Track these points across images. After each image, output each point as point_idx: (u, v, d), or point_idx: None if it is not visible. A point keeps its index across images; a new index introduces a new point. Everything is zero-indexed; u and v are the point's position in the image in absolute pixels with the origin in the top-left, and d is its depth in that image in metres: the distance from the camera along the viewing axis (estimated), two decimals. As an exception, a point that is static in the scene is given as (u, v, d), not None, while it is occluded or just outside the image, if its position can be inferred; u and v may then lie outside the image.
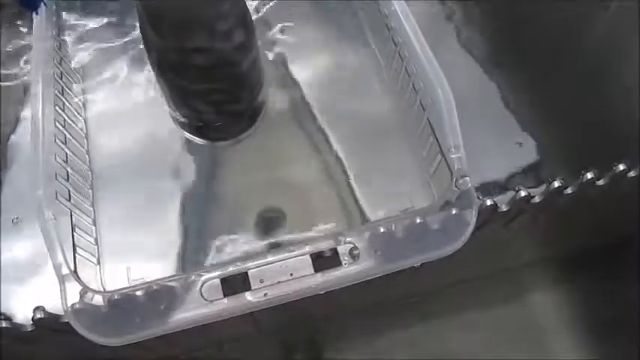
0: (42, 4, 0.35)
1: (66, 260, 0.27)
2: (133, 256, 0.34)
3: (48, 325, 0.28)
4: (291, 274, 0.28)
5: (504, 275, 0.46)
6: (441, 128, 0.31)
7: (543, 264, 0.47)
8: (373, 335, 0.45)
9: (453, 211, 0.29)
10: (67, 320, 0.27)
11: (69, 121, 0.36)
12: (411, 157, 0.37)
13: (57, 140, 0.33)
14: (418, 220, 0.29)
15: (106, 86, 0.41)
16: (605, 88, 0.38)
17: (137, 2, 0.29)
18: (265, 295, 0.27)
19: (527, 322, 0.47)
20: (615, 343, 0.45)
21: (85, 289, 0.27)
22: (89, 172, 0.37)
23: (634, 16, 0.35)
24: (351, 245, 0.28)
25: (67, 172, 0.33)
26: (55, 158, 0.32)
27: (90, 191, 0.36)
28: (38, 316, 0.28)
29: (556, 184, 0.31)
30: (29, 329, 0.29)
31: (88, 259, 0.33)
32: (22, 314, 0.33)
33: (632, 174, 0.32)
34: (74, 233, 0.32)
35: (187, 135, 0.39)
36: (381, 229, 0.29)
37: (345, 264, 0.28)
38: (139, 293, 0.27)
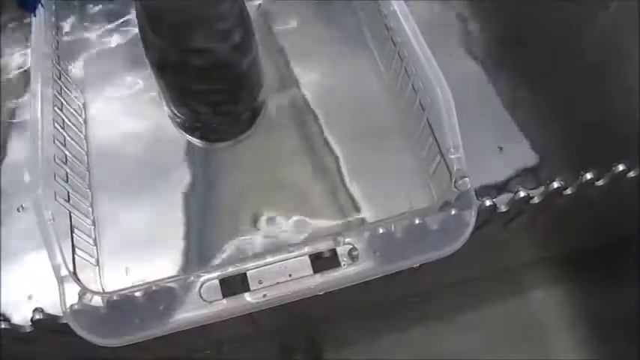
0: (39, 5, 0.35)
1: (65, 261, 0.27)
2: (131, 257, 0.34)
3: (47, 326, 0.28)
4: (290, 275, 0.28)
5: (504, 276, 0.46)
6: (440, 129, 0.31)
7: (543, 264, 0.47)
8: (372, 336, 0.45)
9: (453, 212, 0.29)
10: (66, 321, 0.27)
11: (68, 122, 0.36)
12: (411, 157, 0.37)
13: (56, 141, 0.33)
14: (417, 221, 0.29)
15: (104, 87, 0.41)
16: (605, 88, 0.38)
17: (136, 2, 0.29)
18: (264, 295, 0.27)
19: (526, 323, 0.47)
20: (615, 343, 0.45)
21: (84, 290, 0.27)
22: (88, 173, 0.37)
23: (634, 16, 0.34)
24: (350, 246, 0.28)
25: (66, 172, 0.33)
26: (54, 159, 0.32)
27: (89, 192, 0.36)
28: (37, 317, 0.28)
29: (555, 184, 0.31)
30: (28, 330, 0.29)
31: (87, 260, 0.33)
32: (22, 315, 0.33)
33: (631, 174, 0.32)
34: (73, 234, 0.32)
35: (186, 136, 0.39)
36: (380, 230, 0.29)
37: (344, 265, 0.28)
38: (138, 294, 0.27)
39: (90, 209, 0.35)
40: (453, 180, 0.29)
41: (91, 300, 0.27)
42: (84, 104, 0.40)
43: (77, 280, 0.27)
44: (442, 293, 0.45)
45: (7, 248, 0.36)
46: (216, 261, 0.34)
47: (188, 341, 0.39)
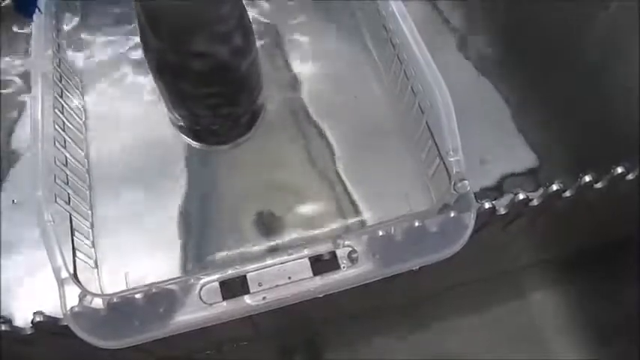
0: (37, 10, 0.35)
1: (65, 263, 0.27)
2: (131, 259, 0.34)
3: (47, 328, 0.28)
4: (290, 278, 0.28)
5: (503, 278, 0.46)
6: (439, 131, 0.31)
7: (542, 266, 0.47)
8: (372, 337, 0.45)
9: (452, 214, 0.29)
10: (66, 323, 0.27)
11: (68, 124, 0.36)
12: (410, 160, 0.37)
13: (56, 143, 0.33)
14: (417, 224, 0.29)
15: (105, 89, 0.41)
16: (605, 88, 0.38)
17: (136, 4, 0.29)
18: (264, 298, 0.27)
19: (526, 325, 0.47)
20: (615, 344, 0.45)
21: (85, 293, 0.27)
22: (88, 175, 0.37)
23: (634, 16, 0.34)
24: (350, 249, 0.28)
25: (67, 175, 0.33)
26: (55, 161, 0.32)
27: (88, 194, 0.36)
28: (38, 319, 0.28)
29: (554, 187, 0.31)
30: (29, 332, 0.29)
31: (87, 262, 0.33)
32: (22, 317, 0.33)
33: (630, 176, 0.32)
34: (73, 236, 0.32)
35: (186, 138, 0.39)
36: (380, 233, 0.29)
37: (344, 267, 0.28)
38: (138, 296, 0.27)
39: (89, 211, 0.35)
40: (452, 182, 0.29)
41: (91, 302, 0.27)
42: (84, 106, 0.40)
43: (77, 283, 0.27)
44: (441, 295, 0.45)
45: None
46: (216, 263, 0.34)
47: (188, 343, 0.39)
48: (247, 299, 0.27)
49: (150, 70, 0.33)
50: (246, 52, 0.33)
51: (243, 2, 0.32)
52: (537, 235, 0.40)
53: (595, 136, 0.39)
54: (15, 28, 0.44)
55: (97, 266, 0.34)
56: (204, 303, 0.27)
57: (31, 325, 0.28)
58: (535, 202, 0.32)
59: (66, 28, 0.43)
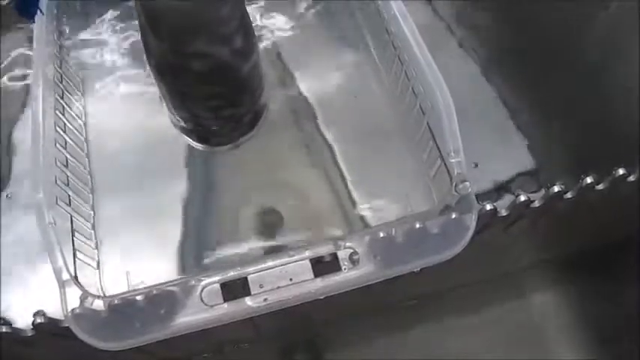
0: (38, 11, 0.35)
1: (66, 265, 0.27)
2: (132, 260, 0.34)
3: (48, 329, 0.28)
4: (291, 279, 0.28)
5: (504, 279, 0.46)
6: (440, 133, 0.31)
7: (543, 267, 0.47)
8: (373, 339, 0.45)
9: (453, 216, 0.29)
10: (67, 325, 0.27)
11: (69, 125, 0.36)
12: (411, 161, 0.37)
13: (57, 144, 0.33)
14: (418, 225, 0.29)
15: (106, 90, 0.41)
16: (605, 88, 0.38)
17: (136, 4, 0.29)
18: (265, 300, 0.27)
19: (527, 325, 0.47)
20: (615, 344, 0.45)
21: (86, 294, 0.27)
22: (89, 177, 0.37)
23: (634, 16, 0.35)
24: (351, 250, 0.28)
25: (67, 176, 0.33)
26: (56, 162, 0.32)
27: (90, 195, 0.36)
28: (38, 320, 0.28)
29: (556, 188, 0.31)
30: (29, 334, 0.29)
31: (88, 264, 0.33)
32: (22, 318, 0.33)
33: (631, 178, 0.32)
34: (74, 238, 0.32)
35: (187, 139, 0.39)
36: (381, 234, 0.29)
37: (345, 269, 0.28)
38: (139, 298, 0.27)
39: (91, 213, 0.35)
40: (454, 184, 0.29)
41: (92, 304, 0.27)
42: (85, 107, 0.40)
43: (78, 284, 0.27)
44: (443, 297, 0.45)
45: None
46: (217, 264, 0.34)
47: (189, 344, 0.39)
48: (248, 301, 0.27)
49: (151, 71, 0.33)
50: (247, 53, 0.33)
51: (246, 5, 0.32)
52: (538, 237, 0.40)
53: (595, 136, 0.39)
54: (15, 29, 0.44)
55: (98, 267, 0.34)
56: (205, 304, 0.27)
57: (31, 326, 0.28)
58: (536, 204, 0.32)
59: (67, 29, 0.43)
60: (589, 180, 0.32)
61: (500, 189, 0.37)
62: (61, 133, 0.34)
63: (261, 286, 0.27)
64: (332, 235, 0.35)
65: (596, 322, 0.46)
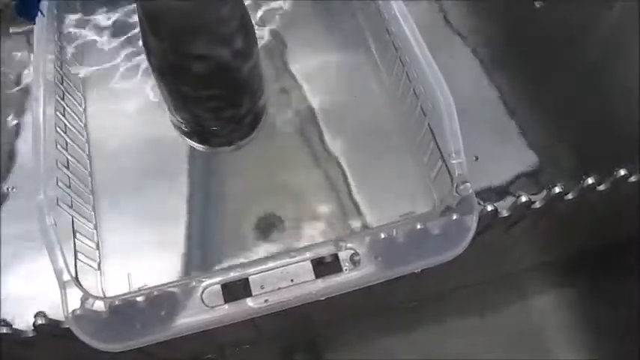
0: (39, 13, 0.35)
1: (67, 266, 0.27)
2: (133, 261, 0.34)
3: (49, 330, 0.28)
4: (292, 280, 0.28)
5: (505, 280, 0.46)
6: (441, 133, 0.31)
7: (544, 268, 0.47)
8: (374, 339, 0.45)
9: (454, 217, 0.29)
10: (68, 326, 0.27)
11: (70, 126, 0.36)
12: (412, 162, 0.37)
13: (58, 145, 0.33)
14: (419, 226, 0.29)
15: (107, 91, 0.41)
16: (606, 88, 0.38)
17: (138, 6, 0.29)
18: (266, 301, 0.27)
19: (527, 325, 0.47)
20: (615, 344, 0.45)
21: (86, 295, 0.27)
22: (90, 178, 0.37)
23: (634, 16, 0.35)
24: (352, 251, 0.28)
25: (69, 177, 0.33)
26: (57, 164, 0.32)
27: (91, 197, 0.36)
28: (39, 321, 0.28)
29: (557, 189, 0.31)
30: (30, 335, 0.29)
31: (89, 265, 0.33)
32: (23, 319, 0.33)
33: (632, 179, 0.32)
34: (75, 239, 0.32)
35: (188, 141, 0.39)
36: (382, 235, 0.29)
37: (346, 270, 0.28)
38: (139, 299, 0.27)
39: (92, 214, 0.35)
40: (455, 185, 0.29)
41: (93, 305, 0.27)
42: (85, 109, 0.40)
43: (79, 285, 0.27)
44: (444, 298, 0.45)
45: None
46: (218, 266, 0.34)
47: (190, 346, 0.39)
48: (249, 302, 0.27)
49: (152, 71, 0.33)
50: (247, 54, 0.33)
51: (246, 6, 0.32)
52: (539, 238, 0.40)
53: (595, 136, 0.39)
54: (15, 29, 0.44)
55: (99, 269, 0.34)
56: (206, 306, 0.27)
57: (32, 327, 0.28)
58: (537, 205, 0.32)
59: (67, 29, 0.43)
60: (590, 181, 0.32)
61: (501, 190, 0.37)
62: (62, 134, 0.34)
63: (262, 287, 0.27)
64: (332, 236, 0.35)
65: (597, 322, 0.46)
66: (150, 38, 0.30)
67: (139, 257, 0.34)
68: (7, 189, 0.38)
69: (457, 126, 0.30)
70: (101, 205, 0.36)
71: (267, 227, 0.36)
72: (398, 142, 0.38)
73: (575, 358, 0.45)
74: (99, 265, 0.34)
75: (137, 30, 0.43)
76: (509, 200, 0.32)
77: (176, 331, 0.27)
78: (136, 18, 0.43)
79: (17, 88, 0.42)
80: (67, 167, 0.34)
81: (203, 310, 0.27)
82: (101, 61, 0.42)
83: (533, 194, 0.31)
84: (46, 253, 0.27)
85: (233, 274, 0.28)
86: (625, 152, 0.35)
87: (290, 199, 0.36)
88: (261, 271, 0.28)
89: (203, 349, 0.43)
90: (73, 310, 0.27)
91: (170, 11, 0.28)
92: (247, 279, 0.28)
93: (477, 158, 0.37)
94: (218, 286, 0.27)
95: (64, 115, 0.35)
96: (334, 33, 0.44)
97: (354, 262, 0.28)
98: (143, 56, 0.32)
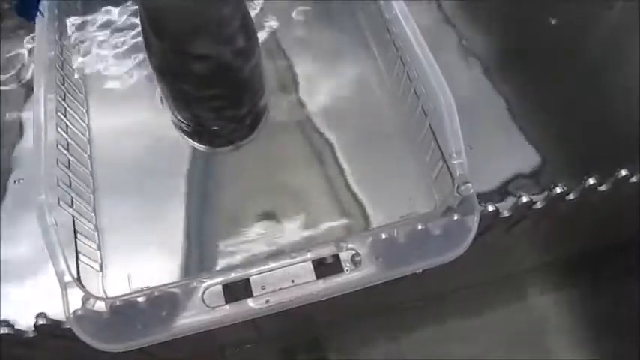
0: (38, 12, 0.35)
1: (68, 267, 0.27)
2: (134, 262, 0.34)
3: (50, 331, 0.28)
4: (293, 281, 0.28)
5: (506, 281, 0.46)
6: (442, 134, 0.31)
7: (544, 269, 0.47)
8: (375, 340, 0.45)
9: (455, 217, 0.29)
10: (69, 326, 0.27)
11: (71, 127, 0.36)
12: (413, 162, 0.37)
13: (59, 146, 0.33)
14: (420, 227, 0.29)
15: (108, 91, 0.41)
16: (606, 88, 0.38)
17: (139, 6, 0.29)
18: (267, 301, 0.27)
19: (528, 326, 0.47)
20: (616, 343, 0.45)
21: (88, 296, 0.27)
22: (91, 178, 0.37)
23: (635, 16, 0.35)
24: (353, 251, 0.28)
25: (70, 177, 0.33)
26: (58, 164, 0.32)
27: (92, 197, 0.36)
28: (41, 322, 0.28)
29: (558, 189, 0.31)
30: (31, 335, 0.29)
31: (90, 265, 0.33)
32: (24, 319, 0.33)
33: (633, 179, 0.32)
34: (76, 239, 0.32)
35: (189, 140, 0.39)
36: (383, 235, 0.29)
37: (347, 270, 0.28)
38: (140, 299, 0.27)
39: (93, 214, 0.35)
40: (456, 185, 0.29)
41: (94, 305, 0.27)
42: (87, 109, 0.40)
43: (80, 286, 0.27)
44: (445, 298, 0.45)
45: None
46: (219, 266, 0.34)
47: (190, 346, 0.39)
48: (250, 302, 0.27)
49: (153, 71, 0.33)
50: (249, 53, 0.33)
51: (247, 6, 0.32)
52: (540, 238, 0.40)
53: (595, 136, 0.39)
54: (15, 31, 0.44)
55: (100, 269, 0.34)
56: (207, 306, 0.27)
57: (33, 327, 0.28)
58: (539, 205, 0.32)
59: (69, 29, 0.43)
60: (591, 181, 0.32)
61: (502, 190, 0.37)
62: (63, 134, 0.34)
63: (263, 288, 0.27)
64: (333, 236, 0.35)
65: (597, 322, 0.46)
66: (151, 38, 0.30)
67: (139, 257, 0.34)
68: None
69: (458, 126, 0.30)
70: (102, 205, 0.36)
71: (267, 226, 0.36)
72: (399, 142, 0.38)
73: (575, 357, 0.45)
74: (100, 265, 0.34)
75: (138, 30, 0.43)
76: (511, 201, 0.32)
77: (177, 331, 0.27)
78: (137, 18, 0.43)
79: (19, 88, 0.42)
80: (68, 167, 0.34)
81: (204, 311, 0.27)
82: (102, 61, 0.42)
83: (534, 194, 0.31)
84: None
85: (234, 275, 0.28)
86: (625, 152, 0.35)
87: (290, 199, 0.36)
88: (262, 272, 0.28)
89: (204, 350, 0.43)
90: (74, 311, 0.27)
91: (171, 11, 0.28)
92: (248, 279, 0.28)
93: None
94: (219, 287, 0.27)
95: (65, 116, 0.35)
96: (334, 33, 0.44)
97: (355, 262, 0.28)
98: (144, 56, 0.32)
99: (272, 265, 0.28)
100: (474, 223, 0.28)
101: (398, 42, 0.36)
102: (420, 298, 0.45)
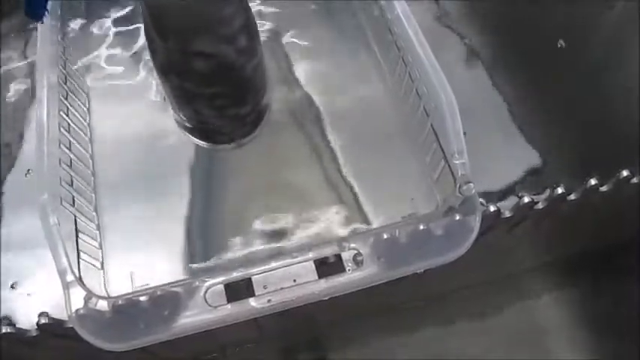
0: (46, 12, 0.35)
1: (70, 266, 0.27)
2: (136, 261, 0.34)
3: (52, 330, 0.28)
4: (295, 280, 0.28)
5: (507, 281, 0.46)
6: (444, 134, 0.31)
7: (545, 269, 0.47)
8: (376, 339, 0.45)
9: (457, 217, 0.29)
10: (71, 325, 0.27)
11: (73, 126, 0.36)
12: (415, 162, 0.37)
13: (61, 145, 0.33)
14: (422, 227, 0.29)
15: (110, 90, 0.41)
16: (606, 88, 0.38)
17: (142, 4, 0.29)
18: (269, 301, 0.27)
19: (529, 326, 0.47)
20: (616, 343, 0.45)
21: (90, 295, 0.27)
22: (93, 177, 0.37)
23: (635, 16, 0.35)
24: (355, 251, 0.28)
25: (71, 176, 0.33)
26: (60, 163, 0.32)
27: (93, 196, 0.36)
28: (43, 321, 0.28)
29: (559, 190, 0.31)
30: (33, 334, 0.29)
31: (92, 264, 0.33)
32: (25, 318, 0.33)
33: (635, 180, 0.32)
34: (78, 238, 0.32)
35: (191, 138, 0.39)
36: (385, 235, 0.29)
37: (349, 270, 0.28)
38: (142, 299, 0.27)
39: (94, 213, 0.35)
40: (458, 185, 0.29)
41: (96, 304, 0.27)
42: (89, 108, 0.40)
43: (82, 285, 0.27)
44: (446, 298, 0.45)
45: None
46: (221, 265, 0.34)
47: (192, 345, 0.39)
48: (252, 302, 0.27)
49: (156, 69, 0.33)
50: (251, 52, 0.33)
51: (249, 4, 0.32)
52: (541, 238, 0.40)
53: (596, 136, 0.39)
54: (16, 31, 0.44)
55: (102, 268, 0.34)
56: (209, 305, 0.27)
57: (36, 327, 0.28)
58: (540, 205, 0.32)
59: (71, 28, 0.43)
60: (593, 182, 0.32)
61: (504, 190, 0.37)
62: (65, 133, 0.34)
63: (265, 287, 0.27)
64: (335, 236, 0.35)
65: (598, 322, 0.46)
66: (154, 37, 0.30)
67: (141, 256, 0.34)
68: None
69: (460, 126, 0.30)
70: (104, 204, 0.36)
71: (269, 225, 0.36)
72: (400, 142, 0.38)
73: (576, 358, 0.45)
74: (102, 264, 0.34)
75: (141, 29, 0.43)
76: (512, 201, 0.32)
77: (179, 330, 0.27)
78: (139, 18, 0.43)
79: (21, 88, 0.42)
80: (70, 166, 0.34)
81: (206, 310, 0.27)
82: (105, 60, 0.42)
83: (535, 195, 0.31)
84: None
85: (236, 274, 0.28)
86: (625, 152, 0.35)
87: (292, 198, 0.36)
88: (264, 271, 0.28)
89: (205, 349, 0.43)
90: (77, 310, 0.27)
91: (174, 9, 0.28)
92: (250, 279, 0.28)
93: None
94: (221, 286, 0.27)
95: (67, 115, 0.35)
96: (336, 32, 0.44)
97: (357, 262, 0.28)
98: (147, 55, 0.32)
99: (274, 264, 0.28)
100: (475, 223, 0.29)
101: (400, 42, 0.36)
102: (421, 298, 0.45)
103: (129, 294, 0.27)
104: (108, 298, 0.27)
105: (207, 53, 0.30)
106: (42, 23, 0.35)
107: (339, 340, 0.46)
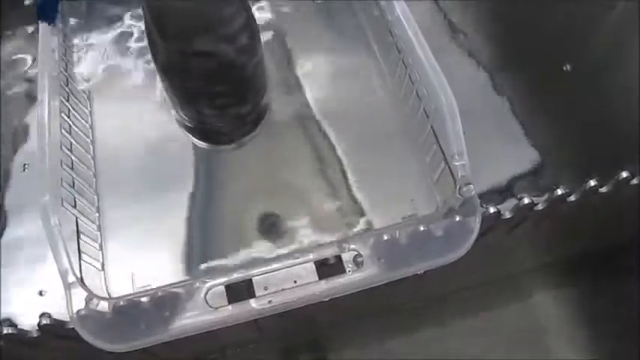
0: (58, 14, 0.35)
1: (72, 267, 0.27)
2: (137, 262, 0.34)
3: (53, 331, 0.28)
4: (296, 282, 0.28)
5: (507, 282, 0.46)
6: (444, 135, 0.31)
7: (545, 269, 0.47)
8: (376, 340, 0.46)
9: (457, 219, 0.29)
10: (72, 326, 0.27)
11: (74, 128, 0.36)
12: (415, 163, 0.37)
13: (63, 147, 0.33)
14: (422, 228, 0.29)
15: (111, 91, 0.41)
16: (606, 88, 0.38)
17: (143, 4, 0.29)
18: (270, 302, 0.27)
19: (529, 326, 0.47)
20: (616, 343, 0.45)
21: (91, 296, 0.27)
22: (94, 178, 0.37)
23: (635, 16, 0.35)
24: (355, 252, 0.28)
25: (73, 178, 0.33)
26: (61, 165, 0.32)
27: (95, 197, 0.36)
28: (44, 322, 0.28)
29: (559, 191, 0.31)
30: (35, 335, 0.29)
31: (93, 265, 0.33)
32: (26, 319, 0.33)
33: (634, 181, 0.32)
34: (79, 239, 0.32)
35: (192, 138, 0.39)
36: (385, 237, 0.29)
37: (349, 271, 0.28)
38: (143, 299, 0.27)
39: (96, 214, 0.35)
40: (458, 187, 0.29)
41: (97, 305, 0.27)
42: (90, 109, 0.40)
43: (84, 286, 0.27)
44: (446, 299, 0.45)
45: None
46: (222, 266, 0.34)
47: (193, 346, 0.39)
48: (253, 303, 0.27)
49: (157, 69, 0.33)
50: (252, 52, 0.33)
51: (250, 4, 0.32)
52: (541, 239, 0.40)
53: (596, 136, 0.39)
54: (17, 31, 0.44)
55: (103, 269, 0.34)
56: (210, 307, 0.27)
57: (37, 327, 0.29)
58: (540, 207, 0.32)
59: (72, 29, 0.43)
60: (592, 183, 0.32)
61: (504, 191, 0.37)
62: (67, 135, 0.34)
63: (265, 289, 0.28)
64: (336, 237, 0.35)
65: (597, 322, 0.46)
66: (155, 36, 0.30)
67: (142, 257, 0.35)
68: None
69: (460, 127, 0.30)
70: (105, 205, 0.36)
71: (269, 226, 0.36)
72: (400, 143, 0.38)
73: (575, 357, 0.45)
74: (103, 265, 0.34)
75: (142, 30, 0.43)
76: (512, 202, 0.32)
77: (180, 331, 0.27)
78: (140, 18, 0.43)
79: (22, 89, 0.42)
80: (72, 168, 0.34)
81: (207, 311, 0.27)
82: (106, 61, 0.42)
83: (535, 196, 0.31)
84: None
85: (237, 275, 0.28)
86: (625, 153, 0.35)
87: (292, 199, 0.36)
88: (265, 272, 0.28)
89: (206, 349, 0.43)
90: (78, 311, 0.27)
91: (175, 10, 0.28)
92: (251, 280, 0.28)
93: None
94: (222, 287, 0.27)
95: (68, 117, 0.35)
96: (336, 33, 0.44)
97: (357, 263, 0.28)
98: (148, 56, 0.32)
99: (274, 265, 0.28)
100: (475, 224, 0.29)
101: (400, 44, 0.36)
102: (421, 299, 0.45)
103: (130, 295, 0.27)
104: (109, 299, 0.27)
105: (208, 53, 0.30)
106: (54, 25, 0.35)
107: (339, 341, 0.46)
